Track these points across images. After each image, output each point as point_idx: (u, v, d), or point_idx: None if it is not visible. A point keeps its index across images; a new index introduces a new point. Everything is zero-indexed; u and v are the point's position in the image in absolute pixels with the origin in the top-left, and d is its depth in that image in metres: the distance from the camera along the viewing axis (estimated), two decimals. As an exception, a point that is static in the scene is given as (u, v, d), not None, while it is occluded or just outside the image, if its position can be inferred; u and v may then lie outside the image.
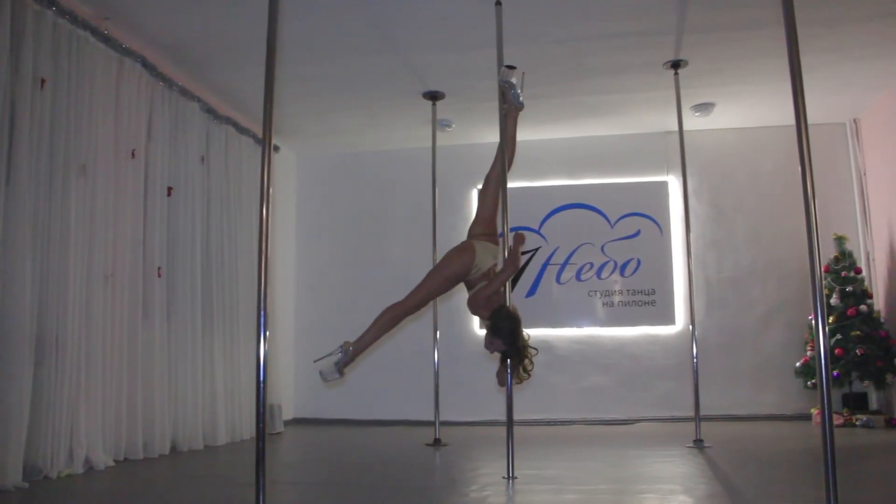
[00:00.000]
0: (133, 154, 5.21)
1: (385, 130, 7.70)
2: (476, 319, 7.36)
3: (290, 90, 6.36)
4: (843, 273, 6.75)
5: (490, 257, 4.21)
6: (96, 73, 4.87)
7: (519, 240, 4.28)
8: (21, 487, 3.87)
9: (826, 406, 2.39)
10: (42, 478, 4.14)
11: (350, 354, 4.01)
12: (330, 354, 4.00)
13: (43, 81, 4.38)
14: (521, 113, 4.48)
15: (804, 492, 3.63)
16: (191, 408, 5.75)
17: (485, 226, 4.37)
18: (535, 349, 4.09)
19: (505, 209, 4.49)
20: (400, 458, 5.30)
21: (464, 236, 4.39)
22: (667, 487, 3.84)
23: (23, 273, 4.10)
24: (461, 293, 4.45)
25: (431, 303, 6.29)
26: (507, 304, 4.15)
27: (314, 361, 4.00)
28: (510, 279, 4.26)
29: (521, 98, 4.47)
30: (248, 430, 6.45)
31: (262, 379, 2.71)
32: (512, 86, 4.43)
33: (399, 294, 4.31)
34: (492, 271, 4.18)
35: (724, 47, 5.77)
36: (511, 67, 4.43)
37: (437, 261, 4.37)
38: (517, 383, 4.10)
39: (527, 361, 4.05)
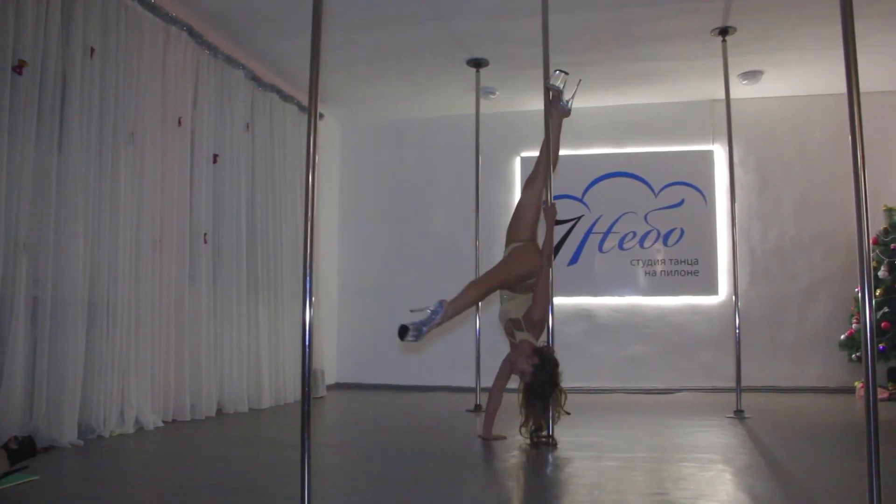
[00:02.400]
0: (180, 122, 5.29)
1: (429, 98, 7.69)
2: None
3: (334, 58, 6.39)
4: (893, 245, 6.62)
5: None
6: (143, 42, 4.93)
7: (551, 213, 4.32)
8: (77, 445, 4.03)
9: (870, 379, 2.37)
10: (96, 436, 4.29)
11: (445, 316, 3.84)
12: (424, 310, 3.78)
13: (92, 51, 4.45)
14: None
15: (845, 464, 3.61)
16: (236, 372, 5.87)
17: (531, 231, 4.38)
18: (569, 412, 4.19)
19: (549, 191, 4.47)
20: (441, 424, 5.37)
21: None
22: (706, 457, 3.85)
23: (75, 239, 4.22)
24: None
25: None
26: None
27: (411, 311, 3.81)
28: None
29: (569, 106, 4.51)
30: (291, 394, 6.58)
31: (307, 343, 2.76)
32: (561, 92, 4.44)
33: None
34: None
35: (773, 13, 5.64)
36: (564, 73, 4.46)
37: (510, 254, 4.34)
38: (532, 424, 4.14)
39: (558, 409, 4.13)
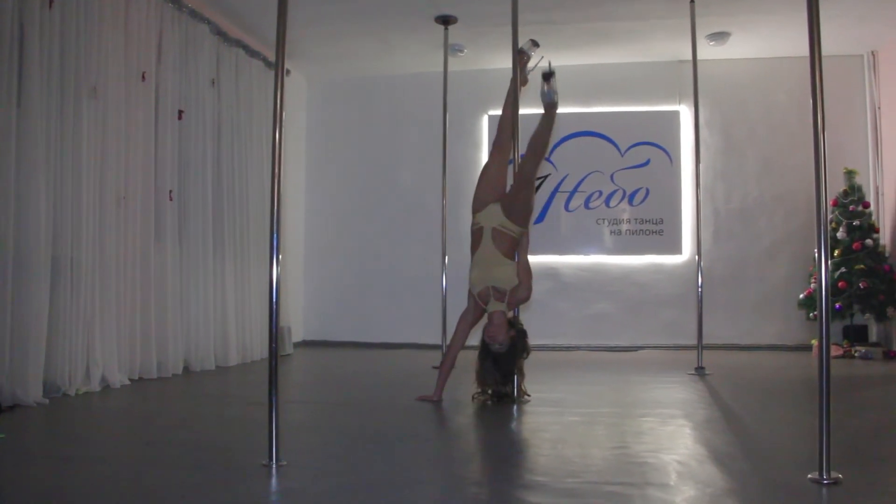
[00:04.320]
0: (143, 77, 5.19)
1: (396, 55, 7.61)
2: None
3: (301, 13, 6.28)
4: (852, 207, 6.75)
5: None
6: (104, -7, 4.81)
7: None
8: (42, 403, 4.00)
9: (824, 335, 2.45)
10: (61, 395, 4.26)
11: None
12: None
13: (51, 1, 4.33)
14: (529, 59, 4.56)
15: (799, 418, 3.74)
16: (203, 329, 5.86)
17: (501, 191, 4.35)
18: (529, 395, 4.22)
19: (516, 138, 4.49)
20: (407, 380, 5.42)
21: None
22: (667, 412, 3.95)
23: (37, 194, 4.14)
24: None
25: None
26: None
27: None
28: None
29: (528, 76, 4.66)
30: (258, 351, 6.59)
31: (274, 300, 2.78)
32: (529, 59, 4.58)
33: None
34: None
35: (741, -26, 5.65)
36: (536, 45, 4.61)
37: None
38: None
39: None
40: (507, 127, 4.51)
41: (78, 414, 3.94)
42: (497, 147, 4.53)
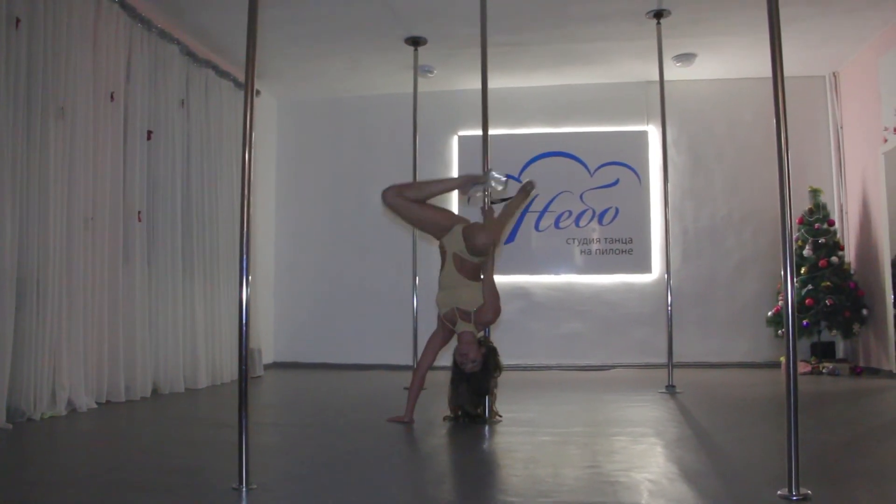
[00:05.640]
0: (112, 97, 5.16)
1: (366, 76, 7.63)
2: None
3: (271, 34, 6.29)
4: (817, 225, 6.85)
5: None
6: (73, 13, 4.77)
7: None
8: (5, 429, 3.92)
9: (791, 353, 2.48)
10: (26, 419, 4.18)
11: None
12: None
13: (18, 21, 4.30)
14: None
15: (769, 434, 3.77)
16: (172, 351, 5.79)
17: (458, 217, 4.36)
18: (501, 416, 4.23)
19: (486, 156, 4.52)
20: (379, 401, 5.40)
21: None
22: (638, 430, 3.96)
23: (3, 216, 4.09)
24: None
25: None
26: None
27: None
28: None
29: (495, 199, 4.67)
30: (228, 373, 6.52)
31: (245, 322, 2.76)
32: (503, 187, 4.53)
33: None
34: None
35: (706, -3, 5.75)
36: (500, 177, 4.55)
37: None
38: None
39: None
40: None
41: (43, 438, 3.87)
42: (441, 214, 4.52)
